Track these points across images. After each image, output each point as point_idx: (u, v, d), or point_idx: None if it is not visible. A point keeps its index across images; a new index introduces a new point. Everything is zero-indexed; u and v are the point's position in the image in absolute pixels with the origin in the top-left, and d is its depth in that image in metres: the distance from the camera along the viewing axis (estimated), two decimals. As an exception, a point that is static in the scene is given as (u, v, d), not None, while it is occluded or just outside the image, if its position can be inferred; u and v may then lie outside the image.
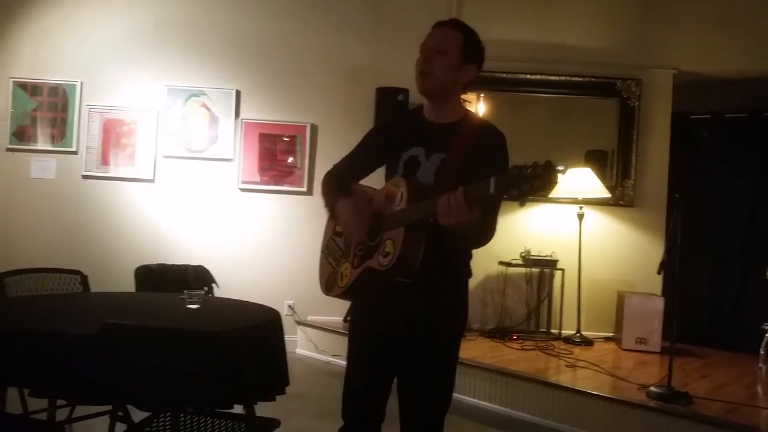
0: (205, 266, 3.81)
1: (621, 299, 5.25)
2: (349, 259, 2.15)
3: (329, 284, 2.23)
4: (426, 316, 2.07)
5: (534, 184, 1.61)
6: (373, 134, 2.31)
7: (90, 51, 5.59)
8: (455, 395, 4.27)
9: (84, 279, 3.19)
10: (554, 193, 5.33)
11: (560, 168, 1.65)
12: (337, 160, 2.35)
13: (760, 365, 4.72)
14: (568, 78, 5.68)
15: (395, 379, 2.18)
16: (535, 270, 5.55)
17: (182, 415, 2.40)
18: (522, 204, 1.68)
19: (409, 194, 1.97)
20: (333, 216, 2.23)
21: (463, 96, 2.27)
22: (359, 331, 2.25)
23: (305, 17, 5.72)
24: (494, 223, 2.01)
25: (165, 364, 1.99)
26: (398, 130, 2.21)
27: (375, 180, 2.28)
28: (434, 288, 2.05)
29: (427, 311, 2.06)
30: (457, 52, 2.04)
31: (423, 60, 2.06)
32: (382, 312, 2.12)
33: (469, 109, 2.22)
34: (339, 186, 2.21)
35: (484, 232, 1.97)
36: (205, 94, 5.63)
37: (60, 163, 5.57)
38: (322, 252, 2.33)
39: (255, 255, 5.61)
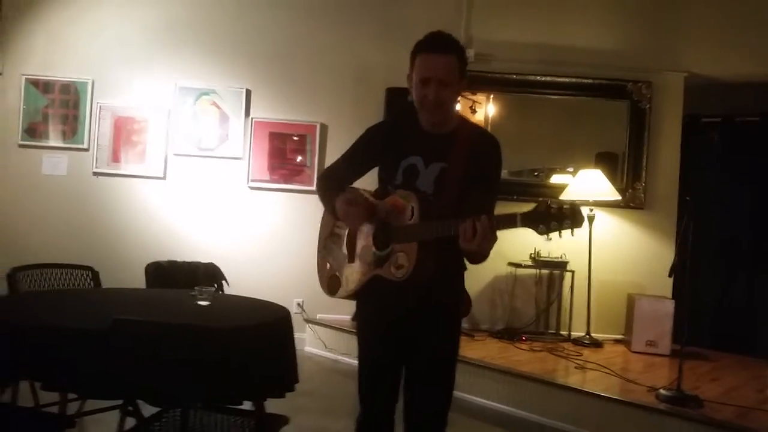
0: (216, 263, 3.82)
1: (631, 301, 5.22)
2: (354, 265, 2.22)
3: (332, 287, 2.31)
4: (432, 297, 2.12)
5: (563, 224, 1.79)
6: (369, 138, 2.31)
7: (101, 49, 5.62)
8: (464, 395, 4.29)
9: (95, 275, 3.20)
10: (565, 195, 5.32)
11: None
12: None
13: (770, 369, 4.70)
14: (579, 80, 5.65)
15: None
16: (545, 271, 5.53)
17: (192, 410, 2.41)
18: (548, 238, 1.85)
19: (421, 211, 2.03)
20: (333, 213, 2.23)
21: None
22: (369, 323, 2.30)
23: (316, 17, 5.73)
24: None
25: (175, 360, 2.00)
26: (395, 135, 2.24)
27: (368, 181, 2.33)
28: (438, 281, 2.11)
29: (434, 294, 2.12)
30: (458, 78, 2.10)
31: (434, 95, 2.08)
32: (391, 303, 2.17)
33: (462, 115, 2.28)
34: (337, 186, 2.24)
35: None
36: (216, 93, 5.65)
37: (71, 159, 5.60)
38: (320, 252, 2.38)
39: (264, 253, 5.62)
